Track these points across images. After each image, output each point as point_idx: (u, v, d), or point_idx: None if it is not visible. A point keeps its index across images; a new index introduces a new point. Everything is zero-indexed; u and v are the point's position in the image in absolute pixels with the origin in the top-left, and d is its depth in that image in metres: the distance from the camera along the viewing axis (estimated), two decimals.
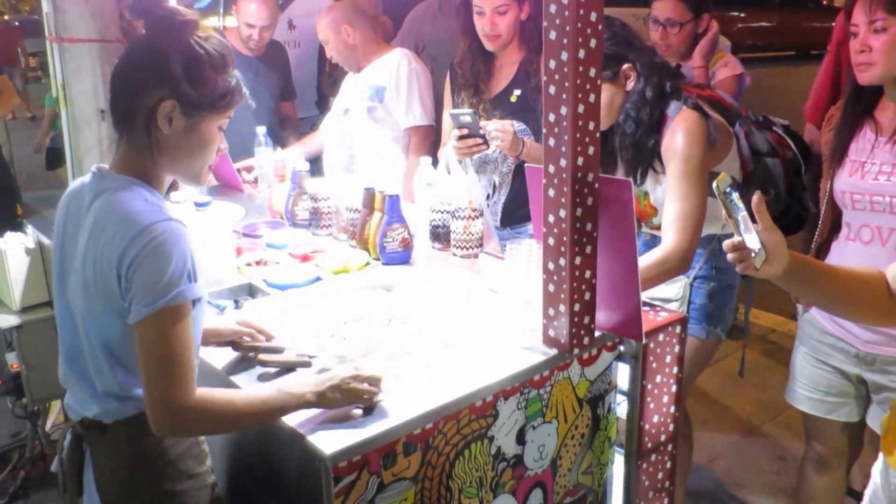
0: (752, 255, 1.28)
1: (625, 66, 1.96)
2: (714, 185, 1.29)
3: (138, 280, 1.28)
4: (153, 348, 1.28)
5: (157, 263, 1.27)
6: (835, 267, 1.47)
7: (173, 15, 1.38)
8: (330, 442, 1.32)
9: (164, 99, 1.36)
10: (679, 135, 1.94)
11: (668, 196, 1.97)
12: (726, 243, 1.31)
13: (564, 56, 1.40)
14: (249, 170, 3.07)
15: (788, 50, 14.84)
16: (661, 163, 2.01)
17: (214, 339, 1.64)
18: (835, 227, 2.00)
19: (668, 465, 1.84)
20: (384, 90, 2.99)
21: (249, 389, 1.46)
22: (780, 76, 7.22)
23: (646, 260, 1.94)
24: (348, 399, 1.40)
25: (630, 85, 1.99)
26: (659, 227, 2.14)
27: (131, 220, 1.30)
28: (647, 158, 2.01)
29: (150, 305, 1.27)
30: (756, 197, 1.29)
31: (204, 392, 1.31)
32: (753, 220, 1.29)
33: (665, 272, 1.95)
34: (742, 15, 14.61)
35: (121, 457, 1.41)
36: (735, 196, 1.29)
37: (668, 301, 2.16)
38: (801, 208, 2.24)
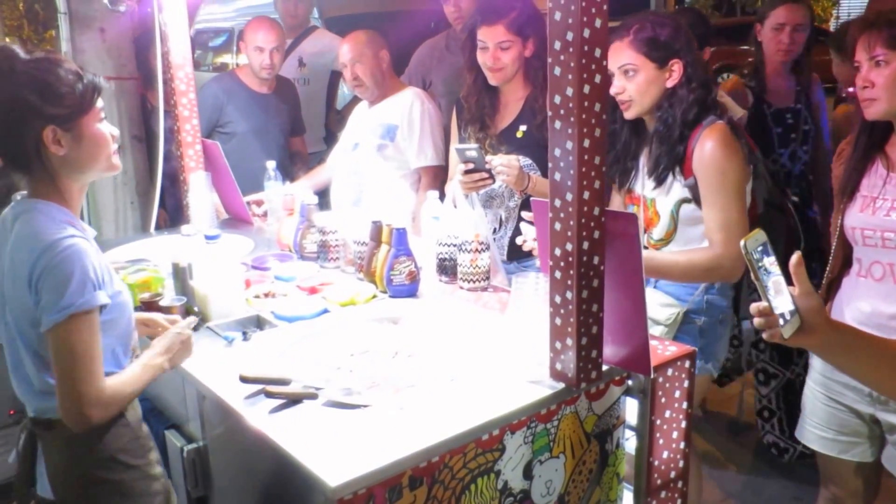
0: (781, 322, 1.16)
1: (673, 60, 2.01)
2: (742, 243, 1.15)
3: (45, 293, 1.46)
4: (62, 352, 1.46)
5: (61, 277, 1.45)
6: (883, 340, 1.35)
7: None
8: (334, 474, 1.31)
9: (41, 130, 1.48)
10: (711, 142, 1.97)
11: (706, 206, 2.00)
12: (753, 307, 1.19)
13: (570, 91, 1.42)
14: (259, 203, 3.10)
15: None
16: (681, 170, 2.03)
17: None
18: (846, 262, 1.98)
19: (679, 502, 1.81)
20: (396, 129, 3.00)
21: (125, 374, 1.60)
22: None
23: (689, 255, 1.96)
24: (187, 349, 1.68)
25: (671, 83, 2.03)
26: (659, 244, 2.14)
27: (39, 239, 1.47)
28: (671, 159, 2.04)
29: (58, 314, 1.44)
30: (795, 257, 1.18)
31: (109, 383, 1.51)
32: (790, 283, 1.17)
33: (713, 275, 2.00)
34: (752, 49, 14.67)
35: (64, 449, 1.60)
36: (767, 260, 1.16)
37: (657, 323, 2.12)
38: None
